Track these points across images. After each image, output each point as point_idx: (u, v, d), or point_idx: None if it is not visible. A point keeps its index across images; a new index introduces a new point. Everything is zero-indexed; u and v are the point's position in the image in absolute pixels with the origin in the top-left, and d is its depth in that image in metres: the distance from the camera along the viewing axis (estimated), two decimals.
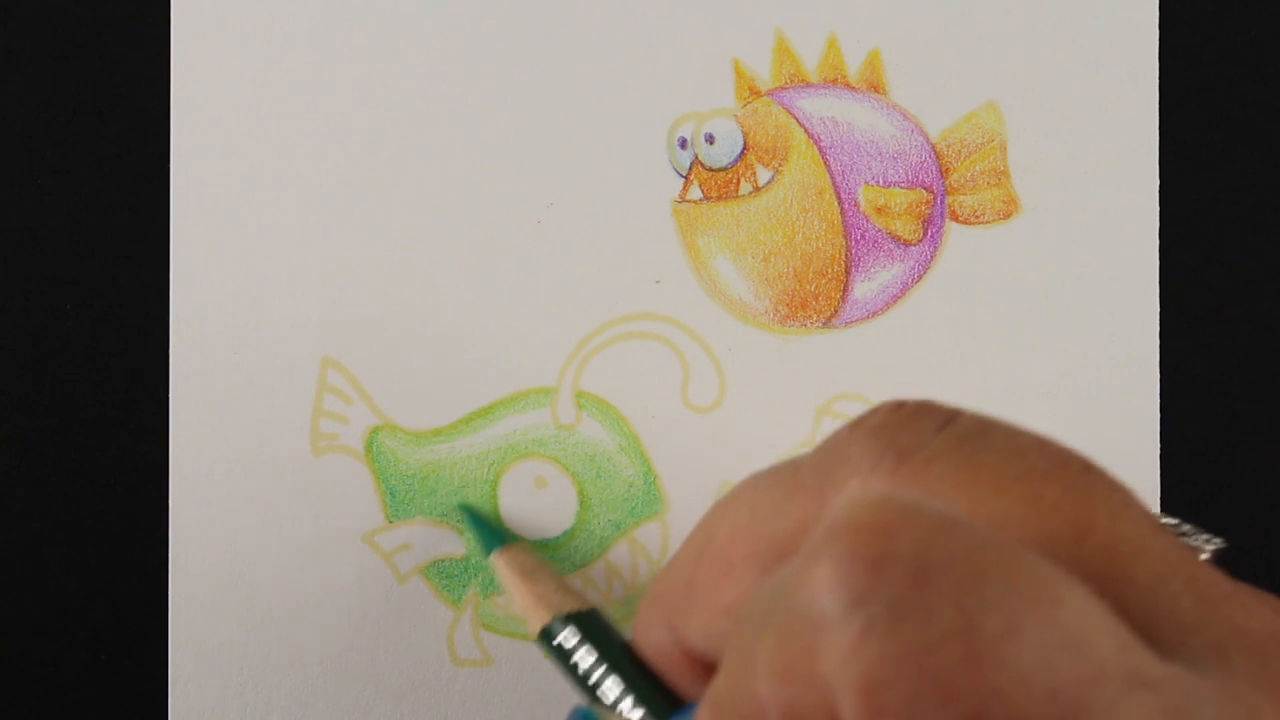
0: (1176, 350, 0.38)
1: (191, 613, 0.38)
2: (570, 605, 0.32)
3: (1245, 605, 0.20)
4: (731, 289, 0.38)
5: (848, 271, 0.38)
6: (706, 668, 0.25)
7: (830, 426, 0.38)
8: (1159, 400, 0.38)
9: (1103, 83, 0.38)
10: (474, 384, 0.38)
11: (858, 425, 0.22)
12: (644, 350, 0.38)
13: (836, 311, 0.38)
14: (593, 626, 0.31)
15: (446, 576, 0.38)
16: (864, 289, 0.38)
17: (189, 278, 0.38)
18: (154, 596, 0.38)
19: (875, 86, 0.38)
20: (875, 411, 0.22)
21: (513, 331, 0.38)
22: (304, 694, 0.38)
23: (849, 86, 0.38)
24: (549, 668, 0.38)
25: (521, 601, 0.33)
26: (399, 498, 0.38)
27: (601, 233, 0.38)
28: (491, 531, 0.37)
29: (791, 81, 0.38)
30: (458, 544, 0.38)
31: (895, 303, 0.38)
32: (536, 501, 0.38)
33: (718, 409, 0.38)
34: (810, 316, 0.38)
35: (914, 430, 0.21)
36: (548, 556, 0.38)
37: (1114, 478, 0.21)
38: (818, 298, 0.38)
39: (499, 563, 0.35)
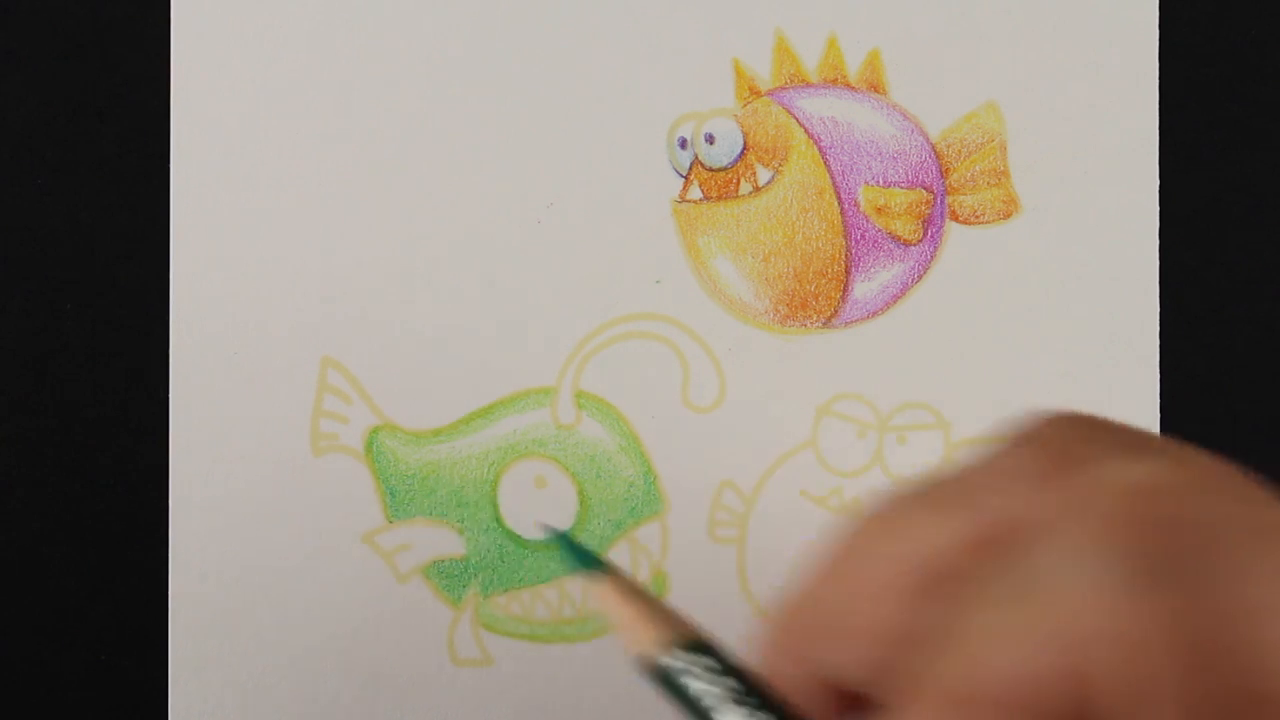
0: (1176, 350, 0.38)
1: (191, 613, 0.38)
2: (684, 633, 0.31)
3: None
4: (731, 289, 0.38)
5: (848, 271, 0.38)
6: (845, 698, 0.24)
7: (830, 426, 0.38)
8: (1159, 400, 0.38)
9: (1103, 83, 0.38)
10: (474, 384, 0.38)
11: (1018, 438, 0.21)
12: (644, 350, 0.38)
13: (836, 311, 0.38)
14: (710, 654, 0.30)
15: (446, 576, 0.38)
16: (864, 289, 0.38)
17: (189, 278, 0.38)
18: (154, 596, 0.38)
19: (875, 86, 0.38)
20: (1032, 423, 0.22)
21: (513, 331, 0.38)
22: (304, 694, 0.38)
23: (849, 86, 0.38)
24: (549, 668, 0.38)
25: (630, 628, 0.32)
26: (399, 498, 0.38)
27: (601, 233, 0.38)
28: (585, 556, 0.36)
29: (791, 81, 0.38)
30: (458, 544, 0.38)
31: (895, 303, 0.38)
32: (536, 501, 0.38)
33: (718, 409, 0.38)
34: (810, 316, 0.38)
35: (1085, 441, 0.21)
36: (548, 556, 0.38)
37: None
38: (818, 298, 0.38)
39: (604, 589, 0.34)
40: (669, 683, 0.30)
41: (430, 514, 0.38)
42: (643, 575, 0.38)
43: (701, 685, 0.29)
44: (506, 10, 0.38)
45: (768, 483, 0.38)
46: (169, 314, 0.38)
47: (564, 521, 0.38)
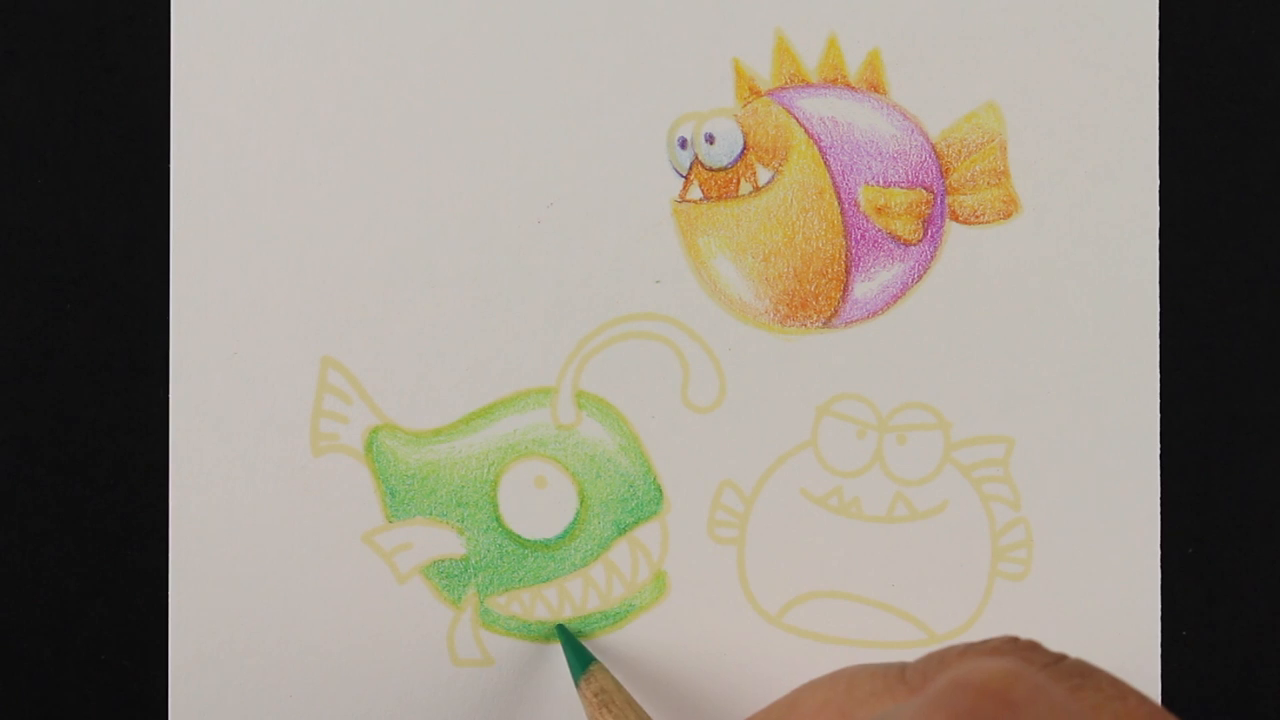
0: (1176, 350, 0.38)
1: (191, 613, 0.38)
2: None
3: None
4: (731, 289, 0.38)
5: (848, 271, 0.38)
6: None
7: (830, 426, 0.38)
8: (1159, 400, 0.38)
9: (1103, 83, 0.38)
10: (474, 384, 0.38)
11: (970, 646, 0.24)
12: (644, 350, 0.38)
13: (836, 311, 0.38)
14: None
15: (446, 576, 0.38)
16: (864, 289, 0.38)
17: (189, 278, 0.38)
18: (154, 596, 0.38)
19: (875, 86, 0.38)
20: (989, 640, 0.24)
21: (513, 331, 0.38)
22: (304, 694, 0.38)
23: (849, 86, 0.38)
24: (549, 668, 0.38)
25: None
26: (399, 498, 0.38)
27: (601, 233, 0.38)
28: (580, 654, 0.37)
29: (791, 81, 0.38)
30: (458, 544, 0.38)
31: (895, 303, 0.38)
32: (536, 501, 0.38)
33: (718, 409, 0.38)
34: (810, 316, 0.38)
35: (1026, 657, 0.23)
36: (548, 556, 0.38)
37: None
38: (818, 298, 0.38)
39: (584, 693, 0.36)
40: None
41: (430, 514, 0.38)
42: (642, 575, 0.38)
43: None
44: (506, 10, 0.38)
45: (768, 483, 0.38)
46: (169, 314, 0.38)
47: (564, 521, 0.38)
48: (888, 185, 0.38)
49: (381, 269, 0.38)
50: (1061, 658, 0.23)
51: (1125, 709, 0.22)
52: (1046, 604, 0.38)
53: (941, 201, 0.38)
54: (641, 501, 0.38)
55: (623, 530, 0.38)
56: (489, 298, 0.38)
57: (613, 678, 0.35)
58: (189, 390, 0.38)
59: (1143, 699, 0.22)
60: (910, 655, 0.38)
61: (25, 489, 0.38)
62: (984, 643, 0.24)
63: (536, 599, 0.38)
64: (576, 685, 0.36)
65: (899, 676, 0.24)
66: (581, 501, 0.38)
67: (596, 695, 0.34)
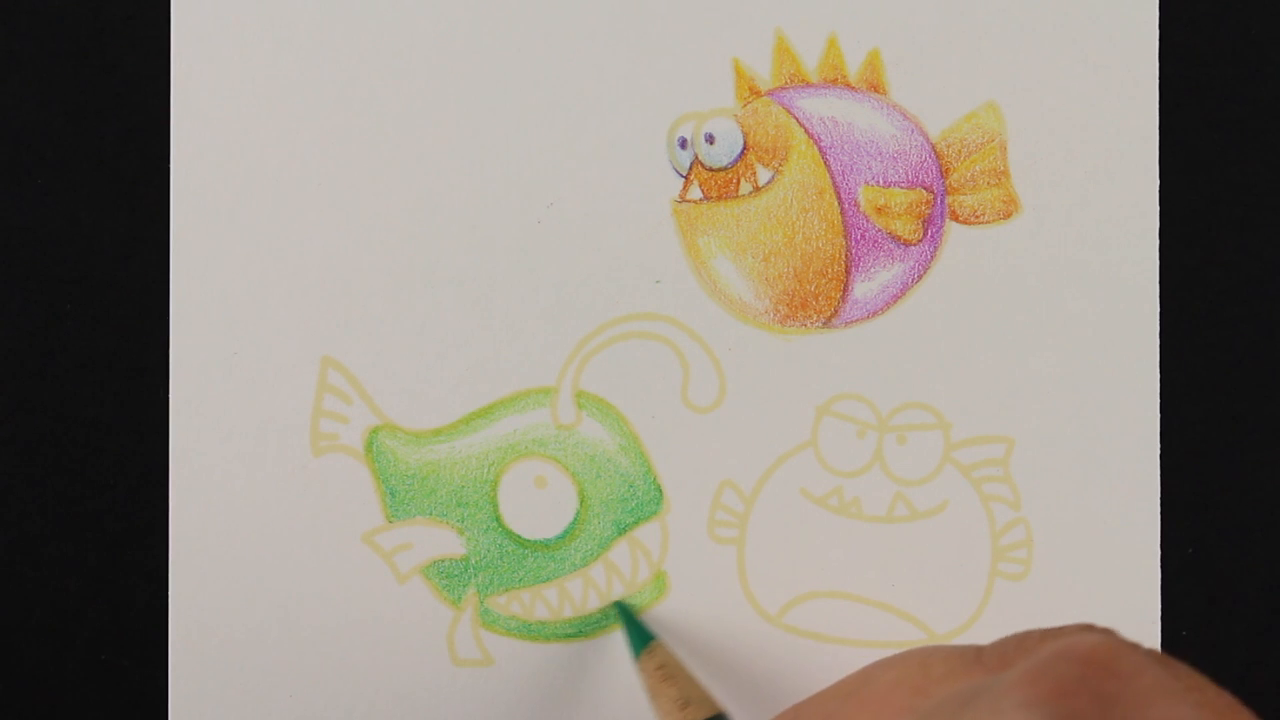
0: (1176, 350, 0.38)
1: (191, 613, 0.38)
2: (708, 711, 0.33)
3: None
4: (731, 289, 0.38)
5: (848, 271, 0.38)
6: None
7: (830, 426, 0.38)
8: (1159, 400, 0.38)
9: (1103, 83, 0.38)
10: (474, 384, 0.38)
11: (1051, 630, 0.24)
12: (644, 350, 0.38)
13: (836, 311, 0.38)
14: None
15: (446, 576, 0.38)
16: (864, 289, 0.38)
17: (189, 278, 0.38)
18: (154, 596, 0.38)
19: (875, 86, 0.38)
20: (1068, 625, 0.24)
21: (513, 331, 0.38)
22: (304, 694, 0.38)
23: (849, 86, 0.38)
24: (549, 668, 0.38)
25: (663, 706, 0.34)
26: (399, 498, 0.38)
27: (601, 233, 0.38)
28: (639, 630, 0.37)
29: (791, 81, 0.38)
30: (458, 544, 0.38)
31: (895, 303, 0.38)
32: (536, 501, 0.38)
33: (718, 409, 0.38)
34: (810, 316, 0.38)
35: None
36: (548, 556, 0.38)
37: None
38: (818, 298, 0.38)
39: (646, 667, 0.36)
40: None
41: (430, 514, 0.38)
42: (642, 575, 0.38)
43: None
44: (506, 10, 0.38)
45: (768, 483, 0.38)
46: (169, 314, 0.38)
47: (564, 521, 0.38)
48: (888, 185, 0.38)
49: (381, 269, 0.38)
50: (1138, 645, 0.23)
51: (1205, 699, 0.21)
52: (1046, 604, 0.38)
53: (941, 201, 0.38)
54: (641, 501, 0.38)
55: (623, 530, 0.38)
56: (489, 298, 0.38)
57: (672, 653, 0.36)
58: (189, 390, 0.38)
59: (1220, 689, 0.22)
60: None
61: (25, 489, 0.38)
62: (1064, 627, 0.24)
63: (536, 599, 0.38)
64: (636, 660, 0.36)
65: (975, 658, 0.24)
66: (581, 501, 0.38)
67: (659, 668, 0.35)
